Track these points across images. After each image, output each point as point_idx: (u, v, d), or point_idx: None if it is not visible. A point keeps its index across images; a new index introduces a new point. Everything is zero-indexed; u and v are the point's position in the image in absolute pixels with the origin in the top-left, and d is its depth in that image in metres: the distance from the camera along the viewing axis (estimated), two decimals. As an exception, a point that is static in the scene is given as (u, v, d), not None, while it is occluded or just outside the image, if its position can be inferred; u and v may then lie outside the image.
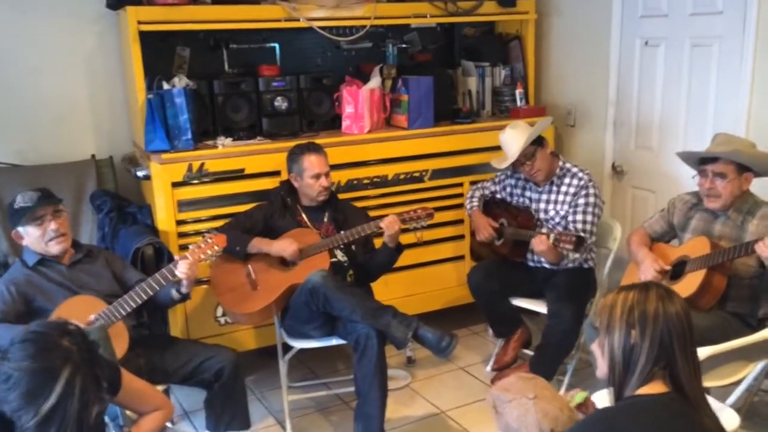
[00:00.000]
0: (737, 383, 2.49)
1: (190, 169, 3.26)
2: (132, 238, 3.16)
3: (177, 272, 2.66)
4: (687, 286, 2.66)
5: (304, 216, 3.24)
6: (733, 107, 3.23)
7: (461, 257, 3.95)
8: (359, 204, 3.51)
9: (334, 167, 3.34)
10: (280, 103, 3.58)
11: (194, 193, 3.31)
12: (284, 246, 3.06)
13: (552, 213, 3.33)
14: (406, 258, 3.36)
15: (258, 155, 3.40)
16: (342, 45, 4.03)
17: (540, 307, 3.34)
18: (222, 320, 3.43)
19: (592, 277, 3.41)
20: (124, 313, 2.58)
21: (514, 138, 3.28)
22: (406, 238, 3.28)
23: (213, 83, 3.51)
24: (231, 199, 3.37)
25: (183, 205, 3.29)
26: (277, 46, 3.91)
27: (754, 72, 3.13)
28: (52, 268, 2.68)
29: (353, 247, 3.23)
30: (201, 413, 2.90)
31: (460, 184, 3.86)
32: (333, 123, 3.78)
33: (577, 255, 3.21)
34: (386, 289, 3.50)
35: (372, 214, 3.40)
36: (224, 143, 3.40)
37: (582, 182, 3.28)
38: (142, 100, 3.30)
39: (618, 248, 3.36)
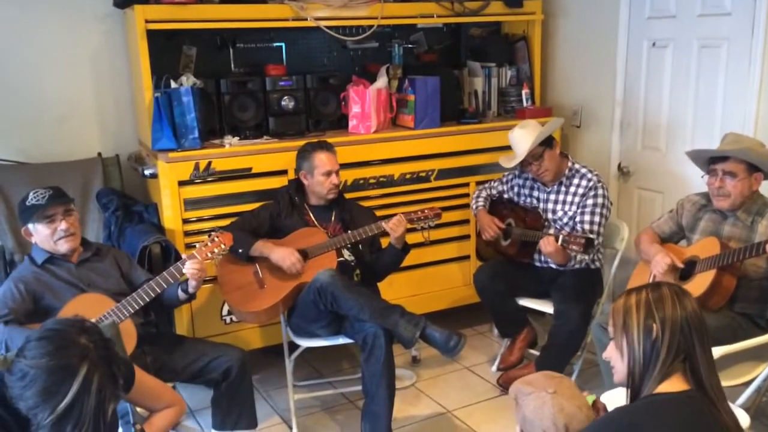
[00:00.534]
0: (746, 383, 2.50)
1: (196, 167, 3.26)
2: (138, 236, 3.16)
3: (185, 270, 2.67)
4: (697, 286, 2.65)
5: (311, 215, 3.24)
6: (741, 109, 3.23)
7: (467, 257, 3.95)
8: (365, 204, 3.51)
9: (341, 167, 3.33)
10: (287, 102, 3.58)
11: (201, 192, 3.31)
12: (284, 256, 3.02)
13: (560, 213, 3.33)
14: (411, 258, 3.35)
15: (265, 154, 3.40)
16: (348, 45, 4.02)
17: (546, 307, 3.34)
18: (227, 319, 3.43)
19: (599, 277, 3.42)
20: (132, 311, 2.58)
21: (523, 137, 3.27)
22: (412, 238, 3.27)
23: (220, 82, 3.51)
24: (237, 198, 3.37)
25: (189, 203, 3.29)
26: (283, 45, 3.91)
27: (762, 73, 3.13)
28: (60, 266, 2.68)
29: (360, 246, 3.23)
30: (207, 412, 2.90)
31: (466, 184, 3.86)
32: (339, 123, 3.78)
33: (585, 257, 3.21)
34: (391, 289, 3.50)
35: (378, 213, 3.39)
36: (231, 142, 3.40)
37: (591, 183, 3.27)
38: (148, 99, 3.30)
39: (625, 248, 3.36)
